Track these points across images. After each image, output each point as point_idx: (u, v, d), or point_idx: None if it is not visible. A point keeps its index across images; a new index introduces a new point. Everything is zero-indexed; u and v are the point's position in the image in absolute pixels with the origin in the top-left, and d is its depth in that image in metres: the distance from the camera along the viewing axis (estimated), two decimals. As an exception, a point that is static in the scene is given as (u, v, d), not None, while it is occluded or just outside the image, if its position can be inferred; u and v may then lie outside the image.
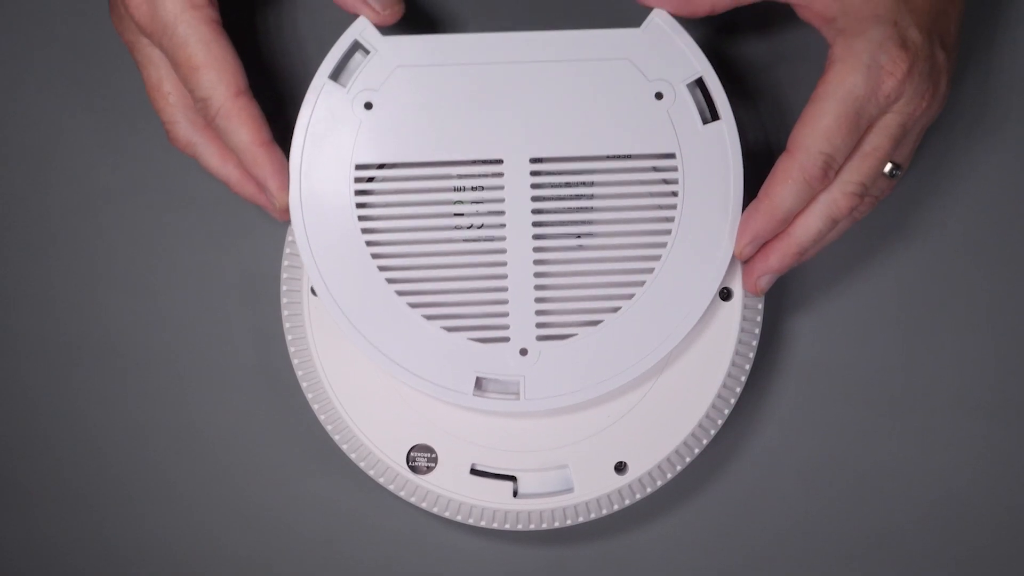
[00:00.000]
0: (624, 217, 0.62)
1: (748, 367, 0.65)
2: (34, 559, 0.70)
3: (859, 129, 0.59)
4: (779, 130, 0.69)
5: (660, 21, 0.62)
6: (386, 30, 0.62)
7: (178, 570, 0.70)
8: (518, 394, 0.62)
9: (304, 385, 0.65)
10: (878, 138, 0.60)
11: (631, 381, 0.63)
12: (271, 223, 0.68)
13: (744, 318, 0.64)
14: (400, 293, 0.62)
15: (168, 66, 0.61)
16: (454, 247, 0.62)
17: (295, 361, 0.65)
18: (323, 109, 0.62)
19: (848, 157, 0.60)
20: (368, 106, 0.62)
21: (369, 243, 0.62)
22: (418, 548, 0.70)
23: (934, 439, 0.69)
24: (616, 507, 0.65)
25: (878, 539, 0.70)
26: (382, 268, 0.62)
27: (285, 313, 0.65)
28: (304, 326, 0.65)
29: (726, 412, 0.65)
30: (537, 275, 0.62)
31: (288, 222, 0.63)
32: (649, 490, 0.65)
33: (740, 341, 0.64)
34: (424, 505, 0.65)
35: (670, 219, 0.62)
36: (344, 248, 0.62)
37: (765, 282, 0.63)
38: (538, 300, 0.62)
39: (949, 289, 0.69)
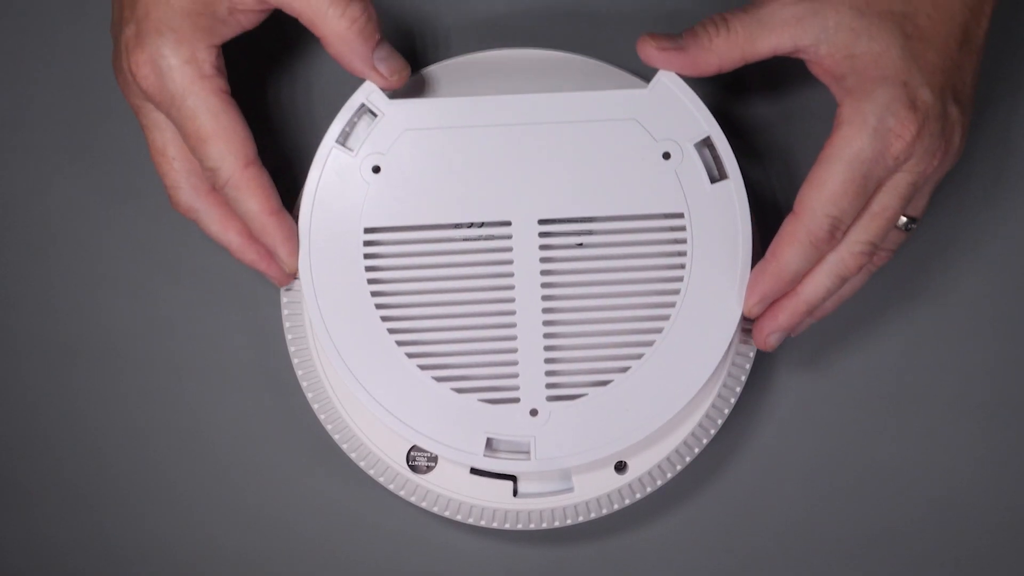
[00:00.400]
0: (633, 277, 0.63)
1: (748, 367, 0.65)
2: (34, 559, 0.70)
3: (867, 191, 0.59)
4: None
5: (667, 81, 0.61)
6: (394, 92, 0.62)
7: (178, 570, 0.70)
8: (528, 454, 0.63)
9: (304, 385, 0.65)
10: (888, 198, 0.59)
11: (641, 439, 0.63)
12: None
13: (745, 318, 0.64)
14: (410, 355, 0.62)
15: (173, 131, 0.61)
16: (463, 309, 0.62)
17: (295, 361, 0.65)
18: (331, 173, 0.62)
19: (857, 217, 0.60)
20: (376, 170, 0.62)
21: (379, 305, 0.62)
22: (418, 548, 0.70)
23: (934, 439, 0.69)
24: (616, 507, 0.65)
25: (878, 539, 0.70)
26: (392, 331, 0.62)
27: (285, 312, 0.65)
28: (304, 326, 0.65)
29: (726, 412, 0.65)
30: (547, 336, 0.62)
31: (286, 287, 0.64)
32: (649, 490, 0.65)
33: (741, 341, 0.64)
34: (424, 505, 0.65)
35: (679, 279, 0.62)
36: (354, 310, 0.62)
37: (775, 339, 0.63)
38: (548, 361, 0.63)
39: (949, 289, 0.69)
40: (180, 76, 0.58)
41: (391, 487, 0.65)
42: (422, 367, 0.62)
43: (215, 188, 0.60)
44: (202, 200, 0.62)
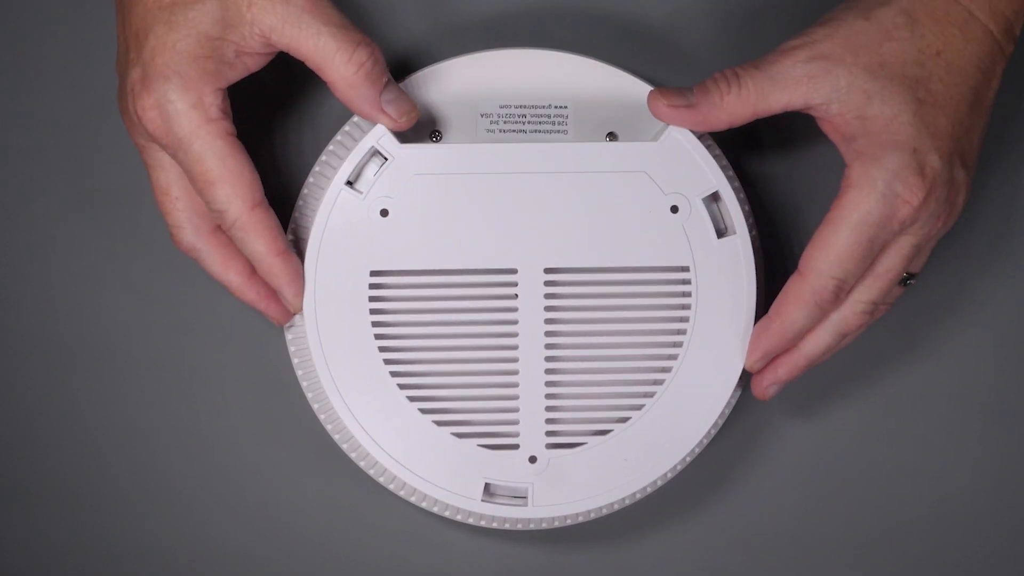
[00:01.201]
0: (636, 329, 0.63)
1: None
2: (34, 559, 0.70)
3: (872, 254, 0.59)
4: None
5: (677, 135, 0.62)
6: (403, 135, 0.62)
7: (178, 570, 0.70)
8: (526, 499, 0.63)
9: (304, 385, 0.65)
10: (891, 260, 0.60)
11: (640, 487, 0.64)
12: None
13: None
14: (412, 399, 0.63)
15: (178, 171, 0.61)
16: (466, 355, 0.63)
17: (295, 361, 0.65)
18: (339, 215, 0.62)
19: (861, 277, 0.60)
20: (384, 213, 0.62)
21: (382, 348, 0.63)
22: (418, 548, 0.70)
23: (934, 439, 0.69)
24: (616, 507, 0.65)
25: (878, 539, 0.70)
26: (394, 374, 0.63)
27: (285, 313, 0.65)
28: (308, 334, 0.65)
29: (727, 413, 0.65)
30: (548, 384, 0.63)
31: (285, 325, 0.64)
32: (649, 490, 0.65)
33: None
34: (424, 505, 0.65)
35: (682, 332, 0.63)
36: (357, 352, 0.62)
37: (773, 391, 0.63)
38: (548, 408, 0.63)
39: (949, 289, 0.69)
40: (187, 120, 0.58)
41: (391, 487, 0.65)
42: (423, 411, 0.63)
43: (223, 229, 0.61)
44: (204, 240, 0.62)
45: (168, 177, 0.61)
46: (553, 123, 0.65)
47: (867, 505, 0.70)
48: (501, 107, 0.65)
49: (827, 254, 0.59)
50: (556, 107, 0.65)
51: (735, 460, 0.70)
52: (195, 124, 0.58)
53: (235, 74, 0.59)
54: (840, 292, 0.60)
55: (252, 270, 0.62)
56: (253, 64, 0.60)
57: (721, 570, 0.70)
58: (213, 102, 0.59)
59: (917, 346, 0.70)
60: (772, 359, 0.63)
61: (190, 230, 0.62)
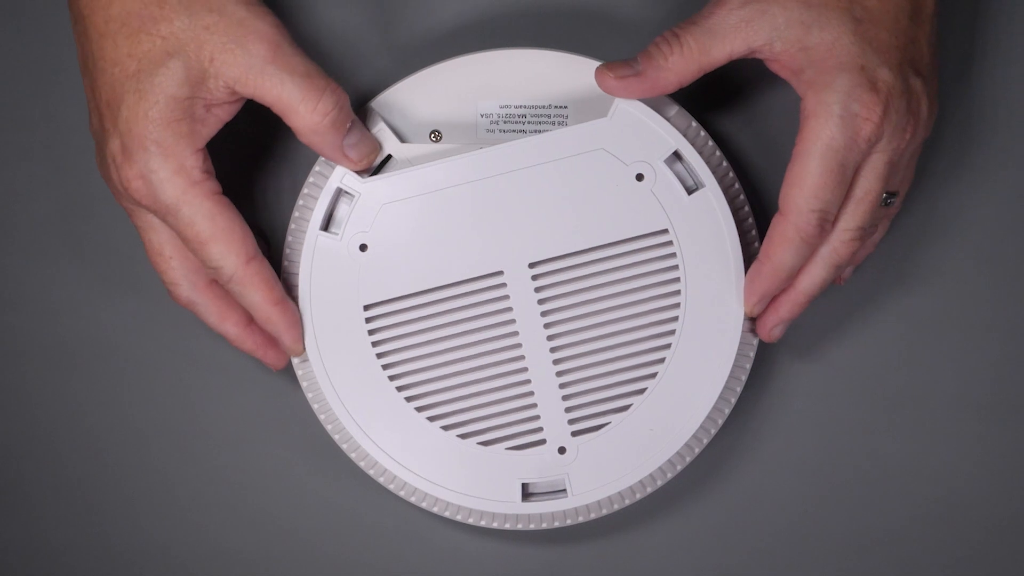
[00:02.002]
0: (632, 300, 0.63)
1: (748, 367, 0.65)
2: (34, 559, 0.70)
3: (846, 179, 0.59)
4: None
5: (626, 106, 0.62)
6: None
7: (178, 570, 0.70)
8: (566, 491, 0.64)
9: (304, 385, 0.65)
10: (868, 181, 0.60)
11: (675, 451, 0.64)
12: (270, 222, 0.68)
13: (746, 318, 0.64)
14: (431, 419, 0.64)
15: (168, 231, 0.62)
16: (473, 363, 0.63)
17: (295, 361, 0.65)
18: (321, 259, 0.63)
19: (842, 204, 0.60)
20: (363, 248, 0.63)
21: (392, 377, 0.63)
22: (418, 548, 0.70)
23: (934, 438, 0.70)
24: (616, 507, 0.65)
25: (878, 539, 0.70)
26: (409, 399, 0.63)
27: (285, 313, 0.66)
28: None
29: (726, 412, 0.65)
30: (559, 374, 0.63)
31: (281, 369, 0.65)
32: (649, 490, 0.65)
33: (741, 340, 0.64)
34: (424, 505, 0.65)
35: (677, 292, 0.63)
36: (368, 385, 0.63)
37: (779, 331, 0.64)
38: (565, 398, 0.64)
39: (949, 288, 0.69)
40: (171, 187, 0.59)
41: (391, 487, 0.65)
42: (445, 427, 0.64)
43: (220, 283, 0.62)
44: (200, 294, 0.63)
45: (160, 238, 0.62)
46: (553, 123, 0.65)
47: (867, 504, 0.70)
48: (501, 107, 0.65)
49: (802, 189, 0.59)
50: (556, 107, 0.65)
51: (735, 460, 0.70)
52: (180, 190, 0.59)
53: (209, 130, 0.60)
54: (824, 224, 0.59)
55: (248, 320, 0.63)
56: (224, 114, 0.61)
57: (720, 570, 0.70)
58: (195, 164, 0.60)
59: (917, 346, 0.70)
60: (772, 300, 0.63)
61: (187, 286, 0.63)
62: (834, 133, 0.58)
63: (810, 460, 0.70)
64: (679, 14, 0.68)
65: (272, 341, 0.64)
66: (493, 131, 0.65)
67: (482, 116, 0.65)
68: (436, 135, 0.65)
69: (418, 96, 0.65)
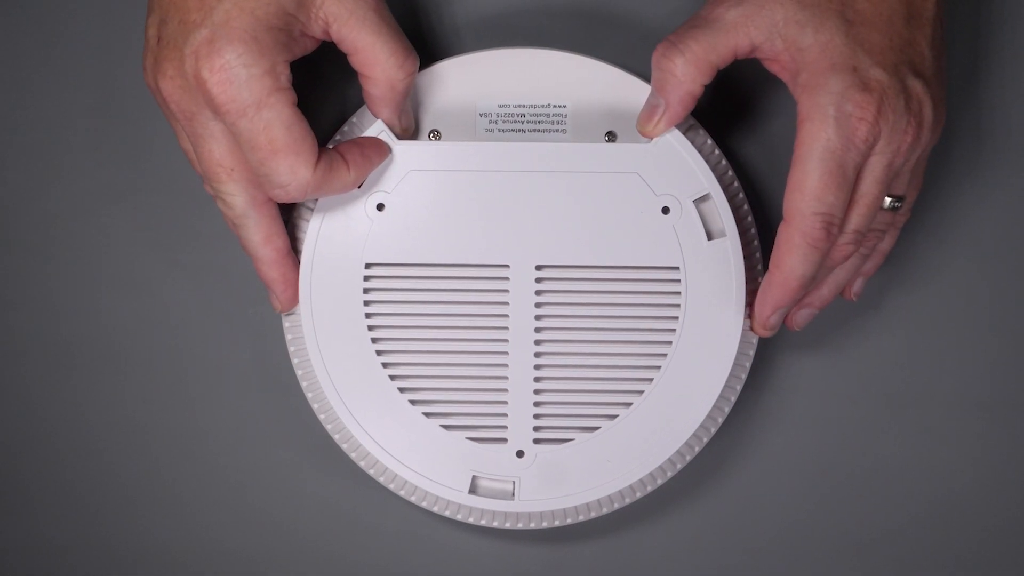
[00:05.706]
0: (626, 326, 0.63)
1: (748, 366, 0.65)
2: (34, 559, 0.70)
3: (847, 180, 0.59)
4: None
5: (670, 137, 0.62)
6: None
7: (178, 570, 0.70)
8: (513, 495, 0.64)
9: (304, 385, 0.65)
10: (865, 184, 0.59)
11: (627, 485, 0.64)
12: None
13: (745, 316, 0.64)
14: (402, 390, 0.63)
15: (230, 141, 0.60)
16: (457, 347, 0.63)
17: (295, 361, 0.65)
18: (336, 207, 0.63)
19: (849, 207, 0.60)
20: (380, 207, 0.63)
21: (374, 339, 0.63)
22: (418, 548, 0.70)
23: (934, 438, 0.69)
24: (616, 507, 0.65)
25: (878, 538, 0.70)
26: (386, 364, 0.63)
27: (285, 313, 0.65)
28: (304, 326, 0.65)
29: (726, 411, 0.65)
30: (537, 379, 0.64)
31: (284, 314, 0.65)
32: (649, 489, 0.65)
33: (741, 340, 0.64)
34: (424, 505, 0.65)
35: (671, 331, 0.63)
36: (350, 343, 0.63)
37: (775, 319, 0.63)
38: (537, 404, 0.64)
39: (949, 288, 0.69)
40: (259, 85, 0.58)
41: (391, 487, 0.65)
42: (413, 402, 0.63)
43: (280, 198, 0.60)
44: (256, 209, 0.62)
45: (221, 148, 0.60)
46: (552, 123, 0.65)
47: (867, 504, 0.70)
48: (500, 107, 0.65)
49: (803, 193, 0.58)
50: (555, 107, 0.65)
51: (735, 460, 0.70)
52: (266, 91, 0.58)
53: (298, 51, 0.60)
54: (830, 227, 0.59)
55: (288, 249, 0.63)
56: (307, 47, 0.60)
57: (720, 570, 0.70)
58: (283, 71, 0.59)
59: (917, 346, 0.69)
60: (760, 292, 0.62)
61: (243, 198, 0.61)
62: (830, 135, 0.58)
63: (810, 459, 0.70)
64: (680, 14, 0.68)
65: (293, 280, 0.63)
66: (492, 130, 0.65)
67: (481, 115, 0.65)
68: (435, 134, 0.65)
69: (417, 95, 0.65)
